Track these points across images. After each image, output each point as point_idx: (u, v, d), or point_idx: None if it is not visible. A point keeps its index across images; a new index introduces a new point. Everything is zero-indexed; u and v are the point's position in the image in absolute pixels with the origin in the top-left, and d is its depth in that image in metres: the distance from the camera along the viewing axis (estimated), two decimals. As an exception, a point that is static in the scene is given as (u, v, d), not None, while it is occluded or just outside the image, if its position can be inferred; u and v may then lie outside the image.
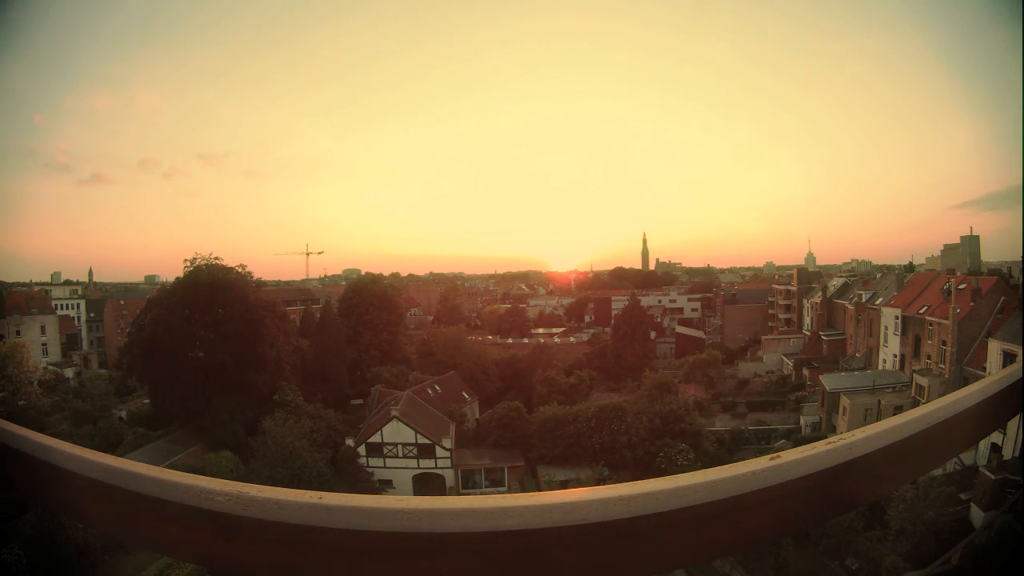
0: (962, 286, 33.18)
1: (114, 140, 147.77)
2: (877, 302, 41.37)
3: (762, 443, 33.04)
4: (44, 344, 51.97)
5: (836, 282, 54.29)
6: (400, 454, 31.75)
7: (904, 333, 36.94)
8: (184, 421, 35.17)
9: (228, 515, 0.62)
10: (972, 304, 31.08)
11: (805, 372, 43.71)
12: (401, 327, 52.22)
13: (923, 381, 31.30)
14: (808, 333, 53.65)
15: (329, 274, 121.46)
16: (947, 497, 18.78)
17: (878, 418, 17.78)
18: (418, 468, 31.81)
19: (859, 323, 44.12)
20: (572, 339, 61.47)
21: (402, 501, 0.64)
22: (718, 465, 0.74)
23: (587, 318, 79.94)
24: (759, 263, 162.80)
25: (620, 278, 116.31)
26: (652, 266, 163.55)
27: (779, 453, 0.72)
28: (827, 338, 48.04)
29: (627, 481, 0.73)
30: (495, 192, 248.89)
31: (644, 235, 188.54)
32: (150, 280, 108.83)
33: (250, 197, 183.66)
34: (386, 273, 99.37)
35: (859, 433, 0.77)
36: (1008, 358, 26.10)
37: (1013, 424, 13.93)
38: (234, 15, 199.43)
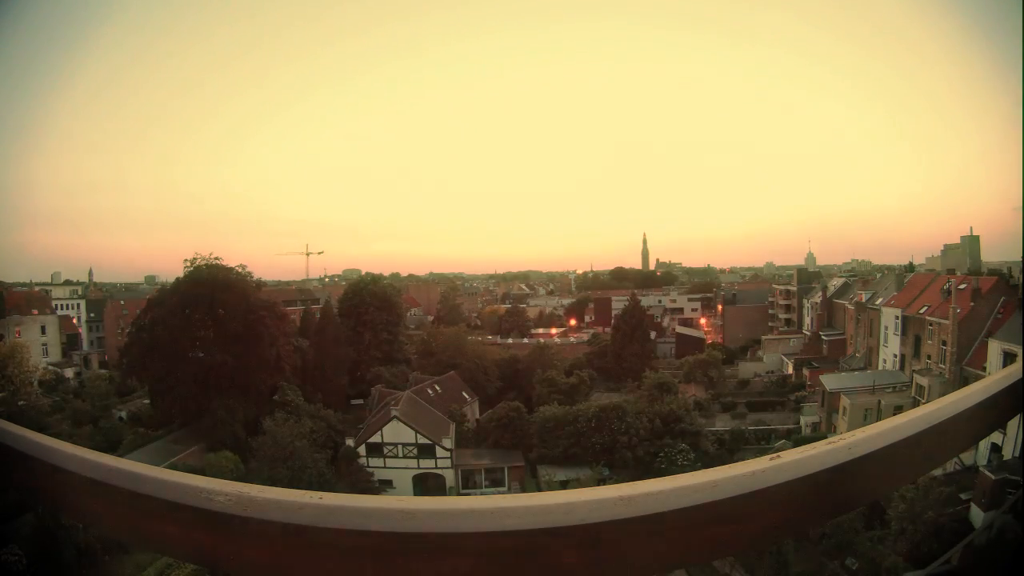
0: (962, 286, 33.16)
1: (114, 139, 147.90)
2: (877, 302, 41.34)
3: (762, 443, 33.05)
4: (44, 344, 51.86)
5: (836, 282, 54.29)
6: (400, 454, 31.75)
7: (904, 333, 36.91)
8: (184, 421, 35.19)
9: (228, 515, 0.62)
10: (972, 304, 31.06)
11: (805, 372, 43.70)
12: (401, 327, 52.22)
13: (923, 381, 31.28)
14: (808, 333, 53.63)
15: (329, 274, 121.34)
16: (947, 497, 18.77)
17: (878, 418, 17.76)
18: (418, 468, 31.81)
19: (859, 323, 44.09)
20: (572, 339, 61.43)
21: (402, 501, 0.64)
22: (718, 465, 0.74)
23: (587, 318, 79.88)
24: (759, 263, 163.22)
25: (620, 278, 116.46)
26: (652, 266, 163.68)
27: (779, 453, 0.71)
28: (827, 338, 48.02)
29: (627, 481, 0.73)
30: (495, 192, 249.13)
31: (644, 235, 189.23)
32: (150, 280, 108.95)
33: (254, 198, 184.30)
34: (386, 273, 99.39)
35: (859, 433, 0.77)
36: (1008, 358, 26.05)
37: (1013, 424, 13.92)
38: (234, 16, 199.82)
